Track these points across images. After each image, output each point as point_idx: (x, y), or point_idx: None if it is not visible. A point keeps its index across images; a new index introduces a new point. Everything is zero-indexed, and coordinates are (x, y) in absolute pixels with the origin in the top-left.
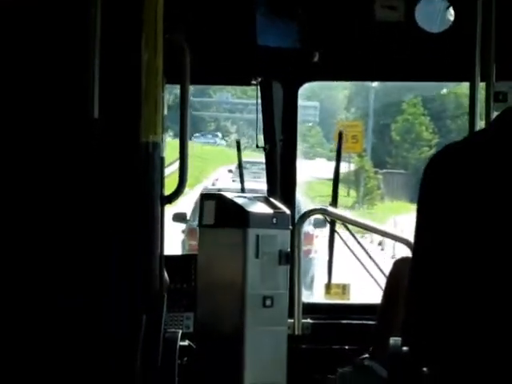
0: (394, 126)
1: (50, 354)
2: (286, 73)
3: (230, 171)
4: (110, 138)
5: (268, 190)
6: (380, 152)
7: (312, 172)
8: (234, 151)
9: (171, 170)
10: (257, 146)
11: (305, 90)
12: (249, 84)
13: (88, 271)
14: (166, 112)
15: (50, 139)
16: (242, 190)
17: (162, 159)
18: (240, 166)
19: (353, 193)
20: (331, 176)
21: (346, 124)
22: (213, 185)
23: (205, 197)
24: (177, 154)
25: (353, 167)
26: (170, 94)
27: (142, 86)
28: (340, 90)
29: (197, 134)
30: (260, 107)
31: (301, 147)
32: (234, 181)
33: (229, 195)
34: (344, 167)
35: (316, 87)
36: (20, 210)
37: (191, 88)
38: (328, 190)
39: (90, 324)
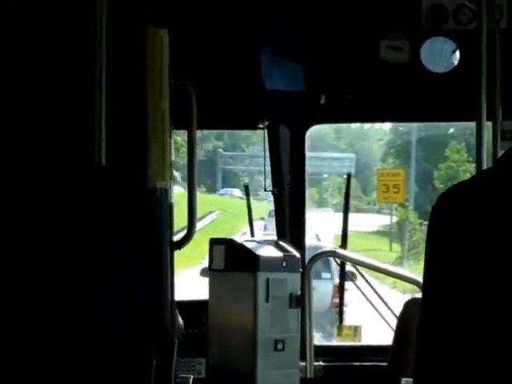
0: (436, 173)
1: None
2: (293, 116)
3: (263, 219)
4: (118, 184)
5: (277, 234)
6: (423, 202)
7: (350, 225)
8: (269, 204)
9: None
10: (265, 190)
11: (339, 141)
12: (256, 128)
13: (95, 316)
14: (173, 158)
15: (56, 186)
16: (252, 234)
17: (170, 205)
18: (249, 211)
19: (396, 247)
20: (370, 229)
21: (387, 172)
22: None
23: (214, 242)
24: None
25: (394, 219)
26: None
27: (149, 132)
28: (375, 141)
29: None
30: (268, 151)
31: (336, 200)
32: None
33: (238, 240)
34: (385, 220)
35: (350, 138)
36: (24, 255)
37: (222, 142)
38: (368, 243)
39: (99, 368)
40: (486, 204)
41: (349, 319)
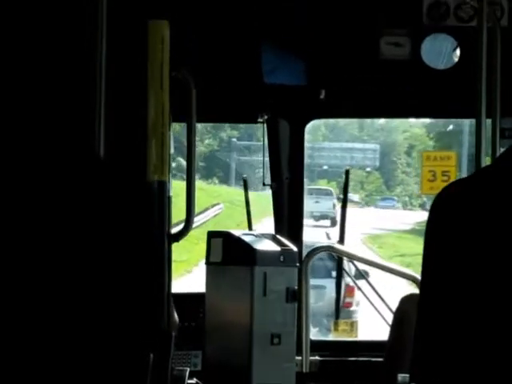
0: (488, 159)
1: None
2: (293, 110)
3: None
4: (116, 177)
5: (275, 228)
6: None
7: (378, 223)
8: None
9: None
10: (263, 184)
11: (362, 132)
12: (255, 122)
13: (91, 309)
14: (172, 151)
15: (53, 179)
16: (250, 227)
17: (168, 198)
18: (247, 205)
19: None
20: (403, 228)
21: (434, 155)
22: None
23: (212, 235)
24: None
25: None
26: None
27: (149, 125)
28: (400, 133)
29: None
30: (267, 145)
31: (358, 196)
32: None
33: (236, 233)
34: (416, 216)
35: (373, 130)
36: (19, 247)
37: (237, 132)
38: (405, 245)
39: (95, 361)
40: (486, 202)
41: (362, 318)
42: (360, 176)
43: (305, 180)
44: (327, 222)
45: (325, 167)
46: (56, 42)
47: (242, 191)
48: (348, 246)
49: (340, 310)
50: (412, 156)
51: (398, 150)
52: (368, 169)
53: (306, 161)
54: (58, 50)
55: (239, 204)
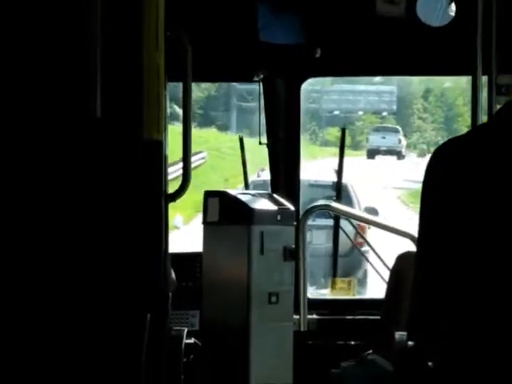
0: None
1: (52, 353)
2: (289, 69)
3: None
4: (113, 136)
5: (272, 187)
6: None
7: (400, 174)
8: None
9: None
10: (260, 143)
11: None
12: (251, 80)
13: (90, 269)
14: (168, 110)
15: (52, 139)
16: (246, 186)
17: (165, 157)
18: (244, 165)
19: None
20: None
21: None
22: (258, 176)
23: (209, 194)
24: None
25: None
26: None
27: (144, 84)
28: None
29: None
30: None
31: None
32: None
33: (233, 192)
34: None
35: None
36: (21, 208)
37: None
38: None
39: (93, 322)
40: (482, 158)
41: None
42: (374, 122)
43: (314, 127)
44: (393, 158)
45: (336, 112)
46: (51, 5)
47: (235, 137)
48: (381, 209)
49: (352, 251)
50: (429, 101)
51: (413, 94)
52: (384, 113)
53: (314, 106)
54: (53, 12)
55: (230, 153)
